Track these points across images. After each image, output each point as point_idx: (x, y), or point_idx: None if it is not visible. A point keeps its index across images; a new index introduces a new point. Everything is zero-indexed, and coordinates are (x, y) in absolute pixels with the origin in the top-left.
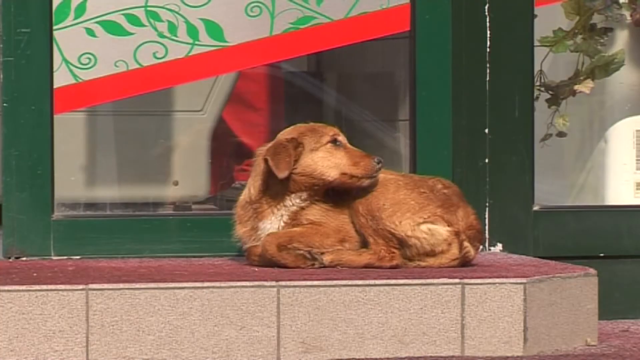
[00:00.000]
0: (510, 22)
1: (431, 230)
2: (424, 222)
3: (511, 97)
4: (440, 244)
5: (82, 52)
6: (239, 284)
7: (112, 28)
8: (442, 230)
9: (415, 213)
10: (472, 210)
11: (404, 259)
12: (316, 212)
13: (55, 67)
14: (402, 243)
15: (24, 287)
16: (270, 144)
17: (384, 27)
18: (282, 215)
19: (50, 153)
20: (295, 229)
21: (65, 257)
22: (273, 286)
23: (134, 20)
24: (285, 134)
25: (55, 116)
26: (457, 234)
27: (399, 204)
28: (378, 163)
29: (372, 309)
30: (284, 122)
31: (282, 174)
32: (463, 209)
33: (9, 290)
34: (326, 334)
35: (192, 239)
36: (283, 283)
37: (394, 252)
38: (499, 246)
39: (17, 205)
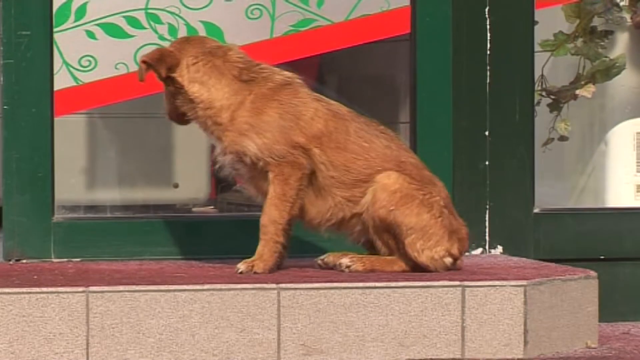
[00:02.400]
0: (511, 24)
1: (443, 261)
2: (440, 258)
3: (511, 100)
4: (442, 269)
5: (82, 54)
6: (239, 286)
7: (113, 30)
8: (448, 261)
9: (436, 245)
10: (461, 221)
11: None
12: None
13: (55, 69)
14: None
15: (24, 290)
16: None
17: (385, 30)
18: None
19: (51, 155)
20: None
21: (65, 260)
22: (273, 288)
23: (134, 22)
24: None
25: (55, 119)
26: (456, 260)
27: (422, 230)
28: None
29: (373, 311)
30: None
31: None
32: (457, 225)
33: (9, 293)
34: (326, 337)
35: (193, 241)
36: (283, 285)
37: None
38: (500, 248)
39: (18, 207)
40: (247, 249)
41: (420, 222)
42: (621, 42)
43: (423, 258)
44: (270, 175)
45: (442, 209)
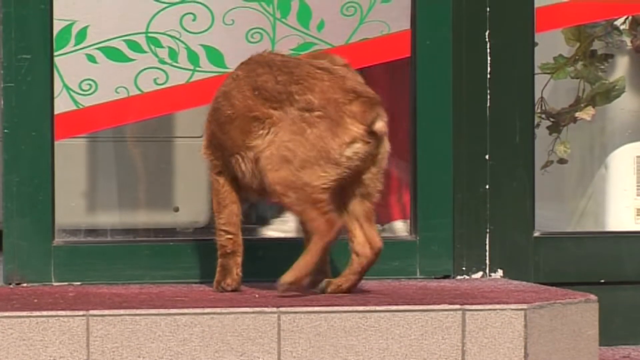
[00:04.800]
0: (511, 48)
1: (350, 150)
2: (346, 147)
3: (512, 123)
4: (364, 153)
5: (82, 78)
6: (239, 310)
7: (113, 54)
8: (357, 146)
9: (333, 137)
10: (357, 92)
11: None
12: None
13: (56, 93)
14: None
15: (24, 313)
16: None
17: (385, 53)
18: None
19: (51, 179)
20: None
21: (66, 283)
22: (274, 312)
23: (134, 46)
24: None
25: (56, 142)
26: (366, 137)
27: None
28: None
29: (373, 335)
30: None
31: None
32: (350, 104)
33: (9, 317)
34: None
35: (193, 264)
36: (284, 309)
37: (327, 216)
38: (500, 272)
39: (18, 231)
40: (247, 272)
41: (299, 148)
42: (621, 66)
43: (337, 153)
44: None
45: (311, 117)
